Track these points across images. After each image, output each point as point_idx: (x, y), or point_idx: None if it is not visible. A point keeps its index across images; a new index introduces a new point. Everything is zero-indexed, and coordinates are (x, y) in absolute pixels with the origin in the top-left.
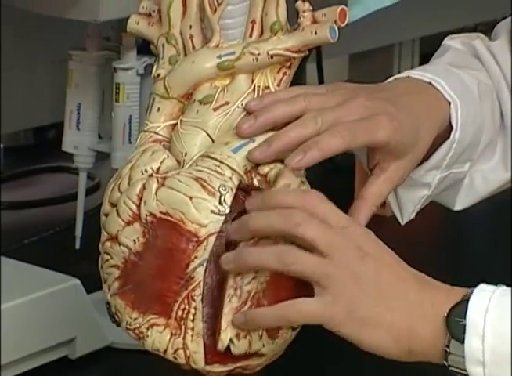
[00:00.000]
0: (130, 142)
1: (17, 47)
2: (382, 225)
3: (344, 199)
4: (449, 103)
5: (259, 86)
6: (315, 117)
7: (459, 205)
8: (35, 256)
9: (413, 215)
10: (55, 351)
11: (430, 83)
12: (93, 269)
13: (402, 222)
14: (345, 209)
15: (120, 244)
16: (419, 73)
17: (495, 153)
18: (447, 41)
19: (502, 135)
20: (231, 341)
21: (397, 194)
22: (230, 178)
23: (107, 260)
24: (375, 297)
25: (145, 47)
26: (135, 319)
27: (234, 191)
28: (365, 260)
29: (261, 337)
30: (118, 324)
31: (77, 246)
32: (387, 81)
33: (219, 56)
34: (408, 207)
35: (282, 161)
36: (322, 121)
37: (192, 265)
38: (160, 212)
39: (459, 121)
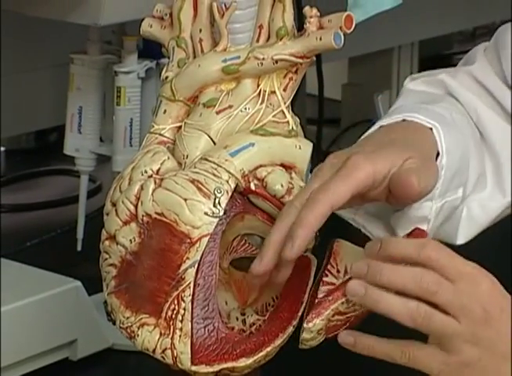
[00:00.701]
0: (131, 145)
1: (19, 51)
2: None
3: None
4: (431, 129)
5: (265, 91)
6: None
7: (461, 238)
8: (37, 258)
9: None
10: (57, 353)
11: (404, 120)
12: (94, 271)
13: None
14: None
15: (117, 244)
16: (388, 119)
17: (488, 182)
18: (407, 84)
19: (489, 161)
20: (312, 331)
21: (396, 233)
22: (227, 182)
23: (106, 259)
24: (488, 361)
25: (145, 51)
26: (128, 318)
27: (230, 194)
28: (489, 323)
29: (322, 336)
30: (114, 322)
31: (79, 248)
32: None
33: (224, 60)
34: None
35: (280, 165)
36: (299, 201)
37: (183, 266)
38: (156, 213)
39: (444, 145)
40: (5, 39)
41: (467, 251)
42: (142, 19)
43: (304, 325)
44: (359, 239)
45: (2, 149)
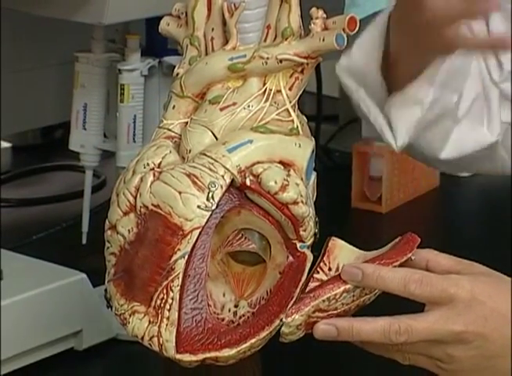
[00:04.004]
0: (134, 141)
1: (25, 49)
2: (379, 221)
3: (342, 195)
4: None
5: (271, 89)
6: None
7: (444, 153)
8: (43, 251)
9: (407, 140)
10: (63, 343)
11: None
12: (99, 264)
13: (396, 148)
14: (345, 205)
15: (117, 233)
16: None
17: (483, 114)
18: None
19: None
20: (291, 325)
21: (389, 116)
22: (222, 177)
23: (108, 248)
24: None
25: (148, 49)
26: (122, 305)
27: (224, 189)
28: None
29: (301, 331)
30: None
31: (84, 241)
32: None
33: (231, 59)
34: (400, 129)
35: (278, 162)
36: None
37: (174, 257)
38: (152, 205)
39: None
40: (12, 38)
41: (467, 250)
42: (146, 18)
43: (283, 319)
44: (356, 239)
45: (9, 145)
